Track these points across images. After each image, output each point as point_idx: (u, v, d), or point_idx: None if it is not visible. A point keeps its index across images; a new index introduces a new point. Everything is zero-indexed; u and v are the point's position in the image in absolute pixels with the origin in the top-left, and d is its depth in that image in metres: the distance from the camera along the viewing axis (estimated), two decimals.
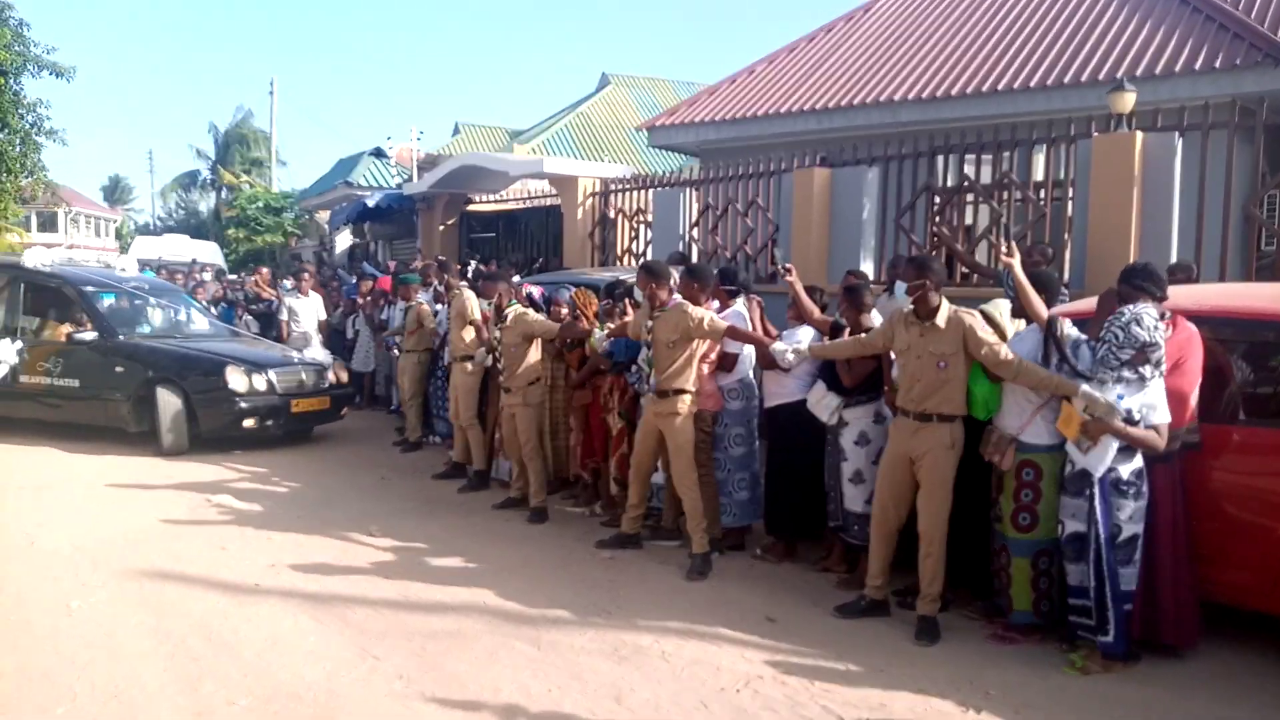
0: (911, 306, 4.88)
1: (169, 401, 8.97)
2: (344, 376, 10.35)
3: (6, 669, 4.26)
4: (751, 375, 6.33)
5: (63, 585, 5.36)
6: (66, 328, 9.73)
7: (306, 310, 11.62)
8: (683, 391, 5.79)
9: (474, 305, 7.88)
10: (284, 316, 11.66)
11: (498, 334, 7.06)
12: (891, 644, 4.73)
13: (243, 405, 9.05)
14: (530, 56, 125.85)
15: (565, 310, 7.33)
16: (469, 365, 7.85)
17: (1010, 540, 4.70)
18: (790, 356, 5.39)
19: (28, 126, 19.28)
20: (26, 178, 20.89)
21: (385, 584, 5.50)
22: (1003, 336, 4.94)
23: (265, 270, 15.60)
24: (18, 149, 19.28)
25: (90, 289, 9.89)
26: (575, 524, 6.75)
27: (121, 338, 9.55)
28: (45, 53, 18.84)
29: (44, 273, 10.09)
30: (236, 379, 9.06)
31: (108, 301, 9.96)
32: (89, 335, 9.41)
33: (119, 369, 9.22)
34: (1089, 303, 5.21)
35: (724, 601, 5.27)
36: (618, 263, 12.12)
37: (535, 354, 7.04)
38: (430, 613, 5.07)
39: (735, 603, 5.27)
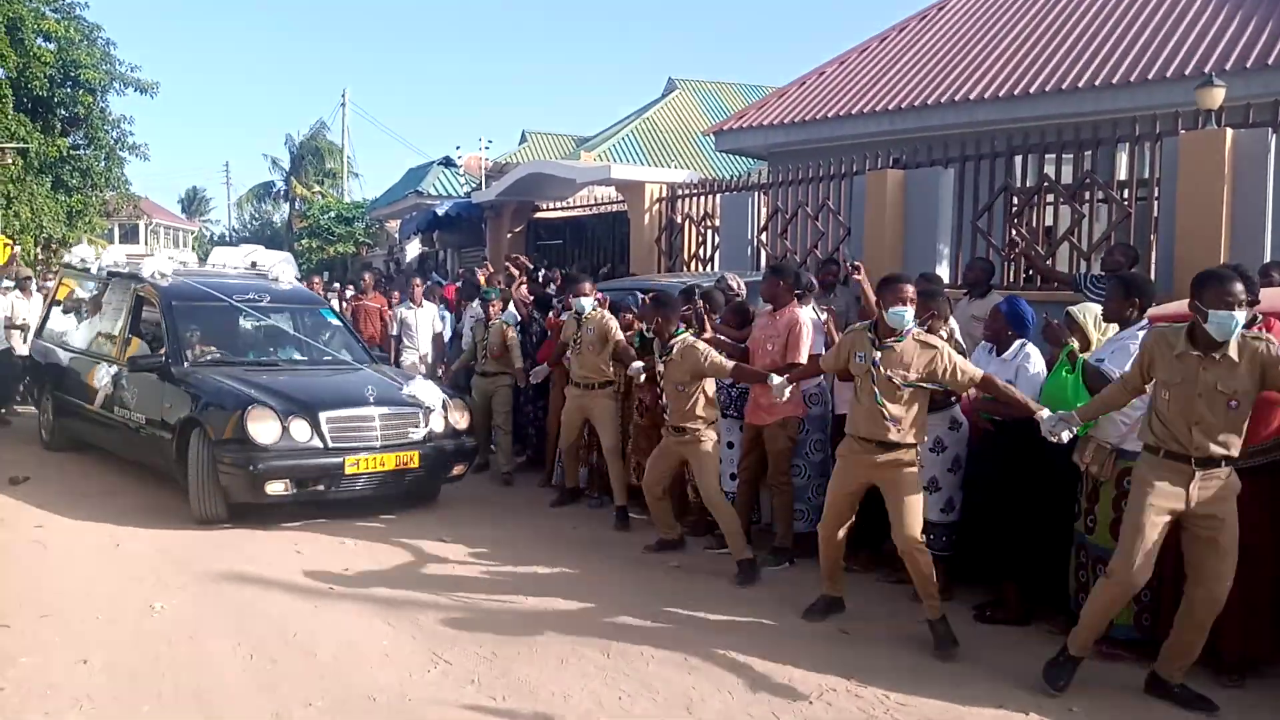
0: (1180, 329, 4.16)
1: (196, 453, 6.70)
2: (462, 420, 7.47)
3: (96, 666, 4.35)
4: (825, 380, 6.24)
5: (146, 586, 5.48)
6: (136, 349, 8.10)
7: (423, 324, 10.16)
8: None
9: (616, 326, 7.07)
10: (394, 331, 10.17)
11: (659, 367, 6.03)
12: (971, 657, 4.58)
13: (265, 464, 6.43)
14: (596, 63, 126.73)
15: (632, 317, 7.29)
16: (609, 390, 7.08)
17: (1109, 551, 4.50)
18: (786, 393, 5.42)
19: (112, 142, 20.01)
20: (111, 191, 21.68)
21: (456, 589, 5.51)
22: (1087, 342, 4.76)
23: (369, 276, 13.25)
24: (103, 164, 20.02)
25: (180, 303, 7.91)
26: (646, 531, 6.70)
27: (186, 364, 7.42)
28: (130, 70, 19.57)
29: (151, 284, 8.21)
30: (261, 425, 6.51)
31: (202, 317, 8.06)
32: (151, 360, 7.58)
33: (167, 403, 7.20)
34: (1180, 305, 4.99)
35: (796, 611, 5.16)
36: (685, 268, 12.06)
37: (710, 391, 5.99)
38: (500, 618, 5.06)
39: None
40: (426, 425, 7.11)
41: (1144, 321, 4.59)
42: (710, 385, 5.94)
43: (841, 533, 4.97)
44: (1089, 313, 4.91)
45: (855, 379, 4.82)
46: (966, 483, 5.34)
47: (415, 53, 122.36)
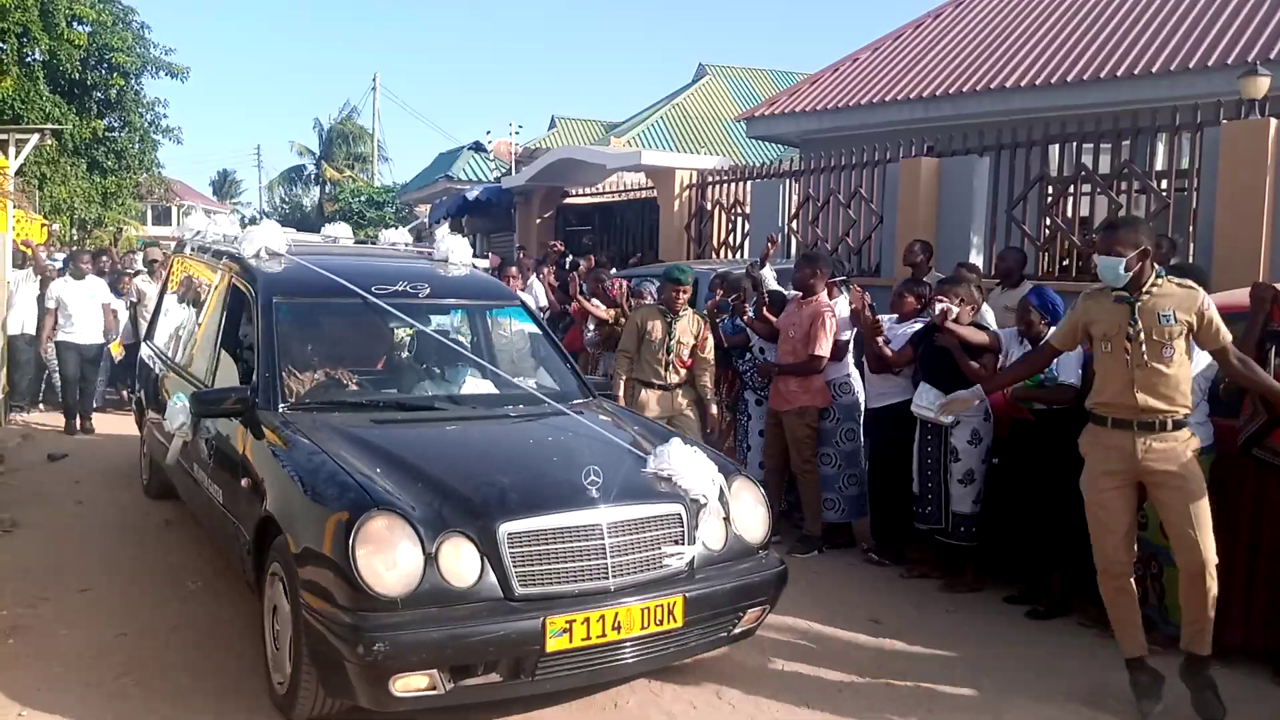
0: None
1: (275, 593, 3.83)
2: (755, 520, 4.16)
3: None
4: (854, 369, 6.22)
5: None
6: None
7: None
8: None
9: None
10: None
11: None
12: (1000, 649, 4.56)
13: (389, 637, 3.27)
14: (626, 49, 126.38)
15: (648, 301, 7.16)
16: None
17: (1162, 549, 4.44)
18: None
19: (146, 125, 20.20)
20: (144, 174, 21.90)
21: None
22: None
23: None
24: (137, 146, 20.22)
25: (284, 299, 4.90)
26: None
27: (281, 405, 4.40)
28: (163, 54, 19.73)
29: (246, 268, 5.25)
30: (381, 555, 3.38)
31: (321, 323, 5.26)
32: (226, 396, 4.52)
33: (244, 475, 4.25)
34: (1235, 295, 4.91)
35: (826, 600, 5.16)
36: (714, 255, 12.03)
37: None
38: None
39: (838, 602, 5.16)
40: (695, 540, 3.83)
41: None
42: None
43: (1132, 580, 4.00)
44: None
45: (1101, 350, 3.96)
46: (1004, 473, 5.30)
47: (446, 38, 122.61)
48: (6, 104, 15.94)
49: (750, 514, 4.10)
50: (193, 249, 6.67)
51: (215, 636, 4.49)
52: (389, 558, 3.35)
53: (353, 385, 4.85)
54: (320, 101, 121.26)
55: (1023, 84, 11.05)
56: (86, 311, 9.25)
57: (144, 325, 9.36)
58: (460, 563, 3.43)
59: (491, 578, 3.45)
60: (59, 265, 10.50)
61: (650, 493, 3.87)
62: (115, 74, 18.75)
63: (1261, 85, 7.81)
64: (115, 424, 9.48)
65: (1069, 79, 10.72)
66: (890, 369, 5.70)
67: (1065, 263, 8.60)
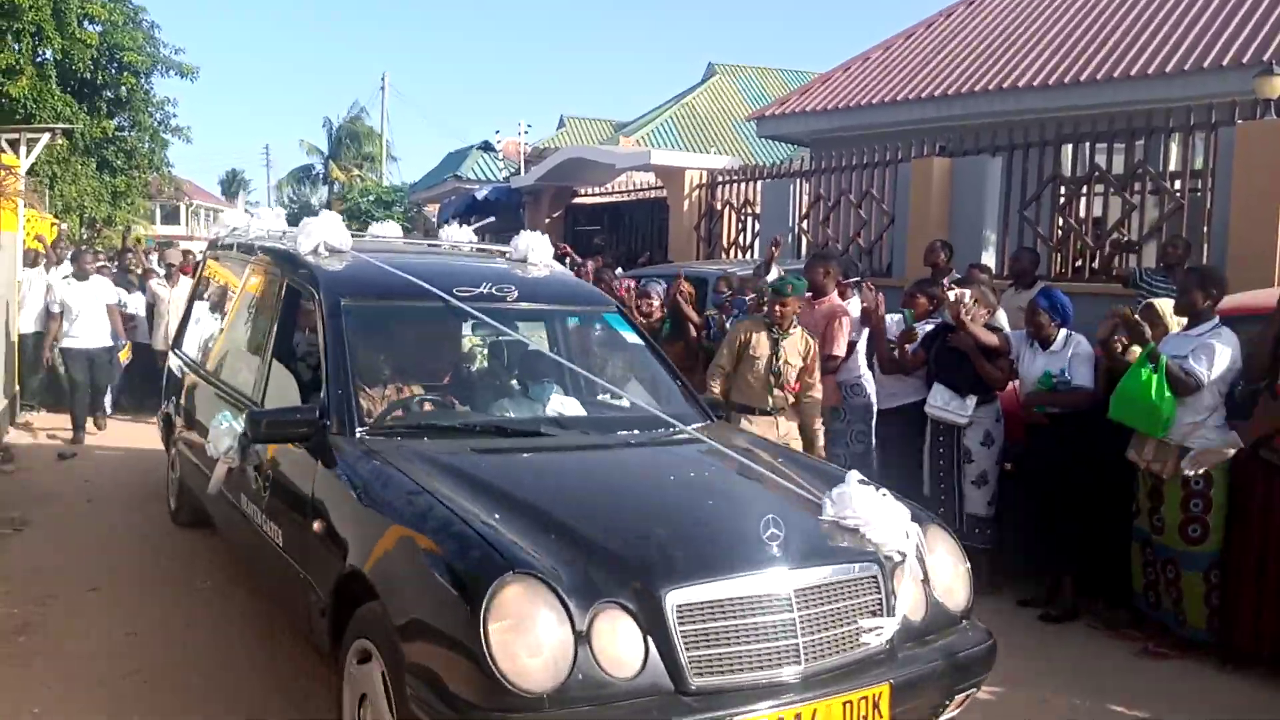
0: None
1: (365, 676, 2.98)
2: (957, 582, 3.34)
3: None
4: (867, 371, 6.17)
5: None
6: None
7: None
8: None
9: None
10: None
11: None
12: (1010, 652, 4.53)
13: None
14: (635, 48, 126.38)
15: (656, 303, 6.97)
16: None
17: (1180, 553, 4.41)
18: None
19: (155, 124, 20.24)
20: (154, 173, 21.95)
21: None
22: (1164, 333, 4.66)
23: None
24: (146, 145, 20.25)
25: (355, 303, 4.14)
26: None
27: (361, 432, 3.65)
28: (173, 54, 19.76)
29: (307, 268, 4.43)
30: (526, 636, 2.57)
31: (398, 332, 4.62)
32: (292, 419, 3.75)
33: (317, 518, 3.46)
34: (1262, 295, 4.87)
35: None
36: (724, 256, 12.00)
37: None
38: None
39: None
40: (893, 610, 3.05)
41: (1216, 319, 4.48)
42: None
43: None
44: (1166, 306, 4.80)
45: None
46: (1019, 476, 5.27)
47: (454, 37, 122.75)
48: (18, 103, 15.99)
49: (949, 572, 3.30)
50: (232, 248, 5.78)
51: (226, 635, 4.48)
52: (531, 638, 2.55)
53: (437, 403, 4.18)
54: (329, 101, 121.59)
55: (1035, 83, 10.99)
56: (91, 314, 8.84)
57: (161, 330, 9.44)
58: (619, 644, 2.63)
59: (658, 664, 2.63)
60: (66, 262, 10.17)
61: (839, 549, 3.05)
62: (125, 73, 18.79)
63: (1277, 85, 7.76)
64: (126, 429, 9.45)
65: (1082, 79, 10.66)
66: (902, 370, 5.66)
67: (1078, 263, 8.55)
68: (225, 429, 4.21)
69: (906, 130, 11.32)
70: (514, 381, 4.64)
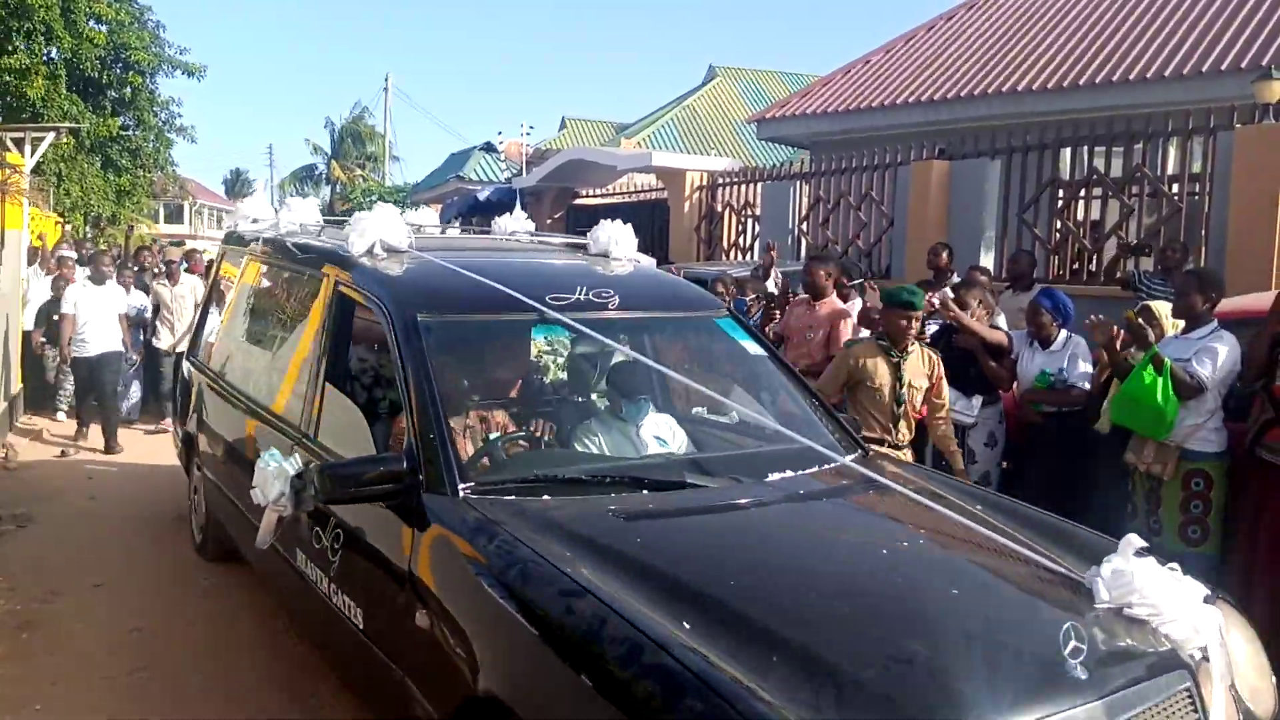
0: None
1: None
2: (1269, 689, 2.59)
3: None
4: None
5: None
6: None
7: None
8: None
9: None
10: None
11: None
12: None
13: None
14: (636, 50, 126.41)
15: None
16: None
17: (1179, 557, 4.42)
18: None
19: (160, 124, 20.29)
20: (158, 172, 22.00)
21: None
22: (1161, 335, 4.69)
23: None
24: (151, 145, 20.31)
25: (433, 318, 3.36)
26: None
27: (465, 489, 2.87)
28: (178, 53, 19.82)
29: (363, 270, 3.76)
30: None
31: (485, 350, 4.09)
32: (371, 471, 2.92)
33: (421, 616, 2.66)
34: (1260, 298, 4.90)
35: None
36: (724, 257, 12.04)
37: None
38: None
39: None
40: None
41: (1214, 322, 4.51)
42: None
43: None
44: (1163, 309, 4.83)
45: None
46: (1015, 475, 5.30)
47: (457, 38, 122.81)
48: (29, 103, 16.05)
49: (1252, 667, 2.56)
50: (258, 243, 5.04)
51: (229, 632, 4.50)
52: None
53: (531, 439, 3.57)
54: (332, 101, 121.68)
55: (1035, 87, 11.03)
56: (102, 321, 8.36)
57: (164, 334, 9.16)
58: None
59: None
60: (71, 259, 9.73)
61: (1144, 658, 2.26)
62: (131, 72, 18.84)
63: (1276, 89, 7.80)
64: (132, 436, 9.37)
65: (1081, 82, 10.69)
66: None
67: (1076, 266, 8.59)
68: (274, 471, 3.37)
69: (906, 133, 11.37)
70: (601, 400, 3.97)
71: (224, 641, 4.40)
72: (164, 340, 9.25)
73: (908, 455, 4.58)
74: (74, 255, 9.99)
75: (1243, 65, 9.49)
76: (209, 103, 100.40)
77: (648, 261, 4.49)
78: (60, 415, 9.31)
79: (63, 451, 8.09)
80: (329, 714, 3.73)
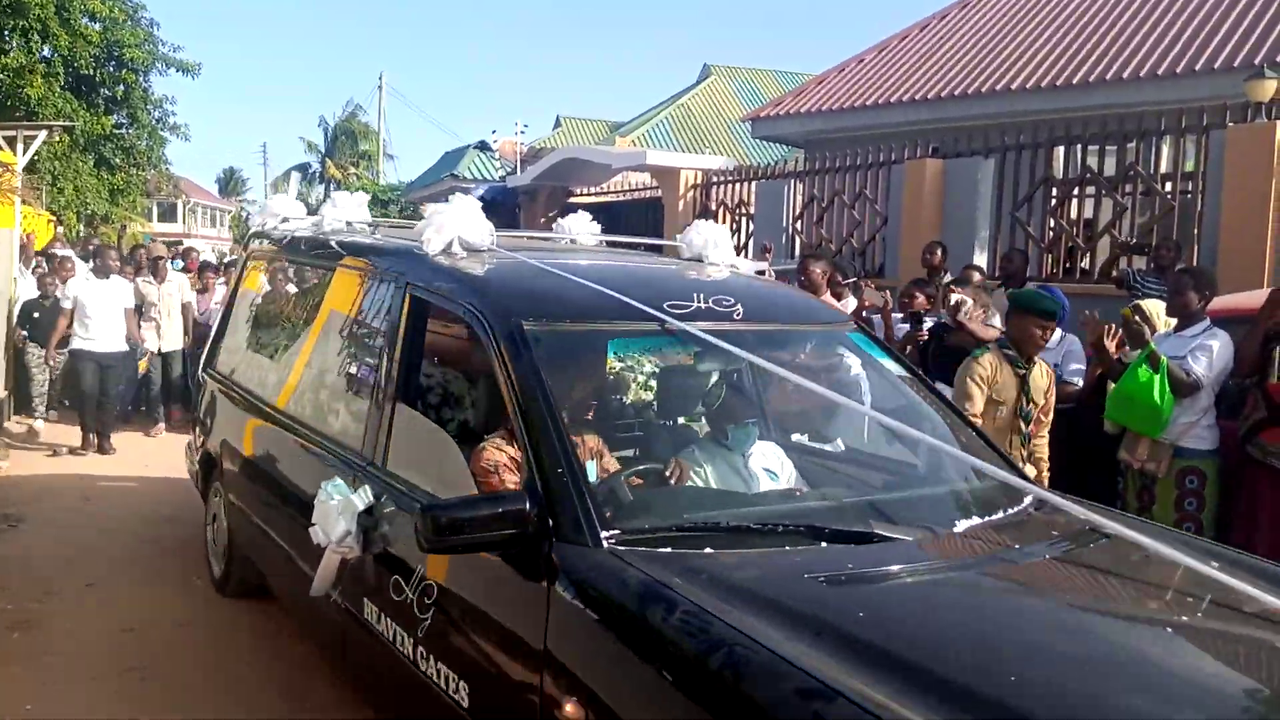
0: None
1: None
2: None
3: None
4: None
5: None
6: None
7: None
8: None
9: None
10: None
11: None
12: None
13: None
14: (631, 49, 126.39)
15: None
16: None
17: None
18: None
19: (154, 122, 20.24)
20: (152, 170, 21.96)
21: None
22: (1153, 333, 4.71)
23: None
24: (145, 143, 20.26)
25: (542, 328, 2.85)
26: None
27: (611, 538, 2.32)
28: (172, 51, 19.77)
29: (443, 271, 3.27)
30: None
31: (605, 370, 3.63)
32: (475, 516, 2.35)
33: (570, 708, 2.06)
34: (1252, 296, 4.92)
35: None
36: None
37: None
38: None
39: None
40: None
41: (1207, 320, 4.53)
42: None
43: None
44: (1155, 307, 4.84)
45: None
46: None
47: (452, 37, 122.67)
48: (24, 102, 16.01)
49: None
50: (299, 243, 4.57)
51: (223, 631, 4.49)
52: None
53: (654, 472, 3.04)
54: (326, 100, 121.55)
55: (1028, 86, 11.05)
56: (108, 316, 8.05)
57: (149, 335, 8.71)
58: None
59: None
60: (68, 256, 9.41)
61: None
62: (125, 70, 18.80)
63: (1268, 88, 7.83)
64: (132, 440, 9.21)
65: (1074, 81, 10.72)
66: None
67: (1069, 264, 8.61)
68: (338, 506, 2.93)
69: (900, 132, 11.39)
70: (692, 422, 3.55)
71: (218, 641, 4.39)
72: (149, 341, 8.82)
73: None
74: (71, 254, 9.85)
75: (1235, 64, 9.53)
76: (202, 101, 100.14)
77: (747, 266, 3.96)
78: (39, 422, 8.59)
79: (54, 450, 8.06)
80: (325, 715, 3.72)
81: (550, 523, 2.34)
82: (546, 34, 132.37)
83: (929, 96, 11.91)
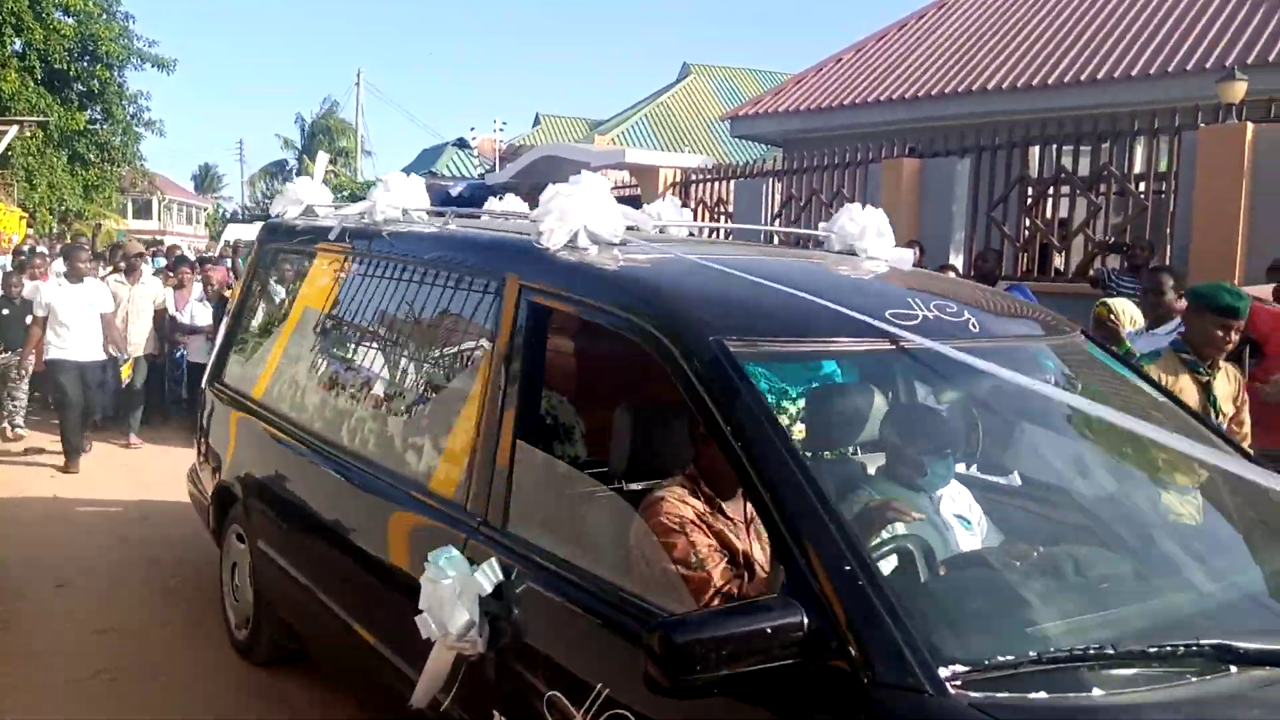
0: None
1: None
2: None
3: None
4: None
5: None
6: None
7: None
8: None
9: None
10: None
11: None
12: None
13: None
14: (611, 47, 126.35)
15: None
16: None
17: None
18: None
19: (129, 117, 20.07)
20: (126, 166, 21.77)
21: None
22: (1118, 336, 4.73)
23: None
24: (119, 139, 20.08)
25: (743, 348, 2.04)
26: None
27: (953, 683, 1.49)
28: (147, 46, 19.60)
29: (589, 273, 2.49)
30: None
31: (841, 401, 2.73)
32: (779, 623, 1.57)
33: None
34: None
35: None
36: None
37: None
38: None
39: None
40: None
41: (1178, 318, 4.55)
42: None
43: None
44: (1123, 305, 4.85)
45: None
46: None
47: (431, 33, 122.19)
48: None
49: None
50: (343, 236, 3.74)
51: (197, 633, 4.45)
52: None
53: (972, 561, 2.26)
54: (303, 96, 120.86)
55: (1004, 86, 11.14)
56: (83, 322, 7.47)
57: (131, 337, 8.28)
58: None
59: None
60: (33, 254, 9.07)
61: None
62: (99, 65, 18.63)
63: (1239, 90, 7.92)
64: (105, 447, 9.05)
65: (1050, 82, 10.81)
66: None
67: (1044, 263, 8.69)
68: (453, 587, 2.22)
69: (877, 131, 11.44)
70: (852, 455, 2.81)
71: (191, 642, 4.35)
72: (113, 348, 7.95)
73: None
74: (45, 251, 9.64)
75: (1207, 66, 9.64)
76: (178, 97, 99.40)
77: (905, 257, 3.26)
78: (20, 429, 8.15)
79: (26, 450, 7.94)
80: (299, 715, 3.70)
81: (851, 650, 1.55)
82: (528, 31, 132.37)
83: (906, 96, 11.98)
